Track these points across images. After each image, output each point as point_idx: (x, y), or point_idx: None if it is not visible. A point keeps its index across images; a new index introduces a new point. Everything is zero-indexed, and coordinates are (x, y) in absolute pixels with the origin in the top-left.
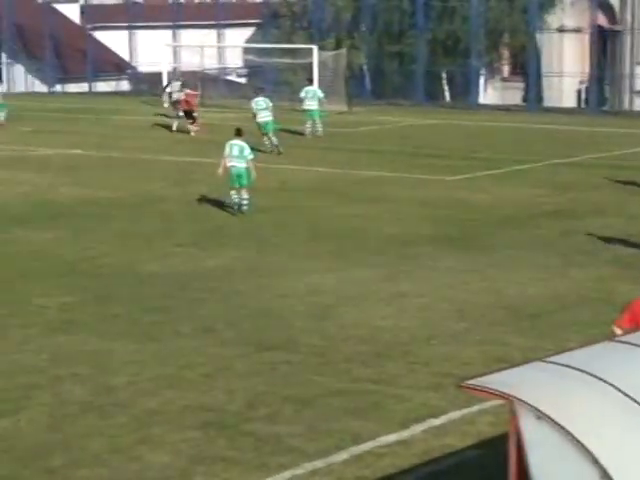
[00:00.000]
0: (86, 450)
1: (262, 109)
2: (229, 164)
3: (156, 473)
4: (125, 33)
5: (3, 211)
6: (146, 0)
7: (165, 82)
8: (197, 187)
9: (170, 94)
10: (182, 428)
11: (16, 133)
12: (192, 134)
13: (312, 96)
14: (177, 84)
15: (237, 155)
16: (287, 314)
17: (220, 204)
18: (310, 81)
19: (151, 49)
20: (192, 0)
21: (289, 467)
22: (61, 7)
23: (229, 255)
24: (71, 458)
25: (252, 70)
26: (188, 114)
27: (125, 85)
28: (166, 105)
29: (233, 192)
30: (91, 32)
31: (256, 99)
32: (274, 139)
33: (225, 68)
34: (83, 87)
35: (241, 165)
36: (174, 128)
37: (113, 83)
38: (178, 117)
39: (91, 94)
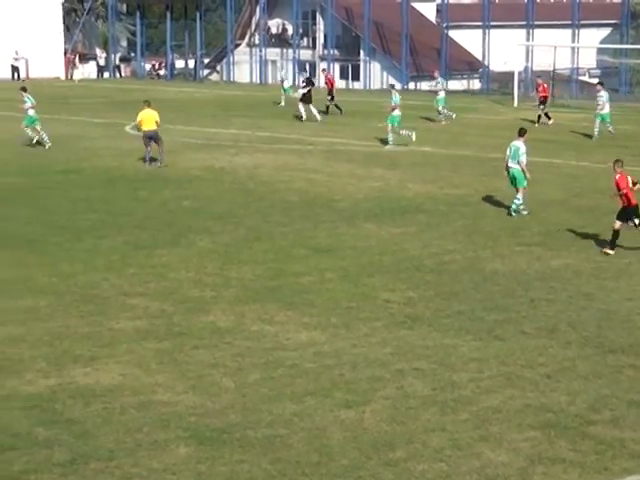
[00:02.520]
0: (427, 445)
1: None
2: (508, 165)
3: (495, 471)
4: (479, 32)
5: (356, 206)
6: None
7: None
8: (543, 187)
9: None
10: (522, 427)
11: (369, 129)
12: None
13: None
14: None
15: (512, 156)
16: (634, 317)
17: (564, 205)
18: None
19: (504, 48)
20: None
21: (633, 472)
22: (418, 5)
23: (575, 256)
24: (412, 452)
25: (605, 71)
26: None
27: (476, 84)
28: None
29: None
30: (446, 31)
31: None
32: None
33: (578, 68)
34: None
35: (515, 166)
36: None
37: (465, 81)
38: None
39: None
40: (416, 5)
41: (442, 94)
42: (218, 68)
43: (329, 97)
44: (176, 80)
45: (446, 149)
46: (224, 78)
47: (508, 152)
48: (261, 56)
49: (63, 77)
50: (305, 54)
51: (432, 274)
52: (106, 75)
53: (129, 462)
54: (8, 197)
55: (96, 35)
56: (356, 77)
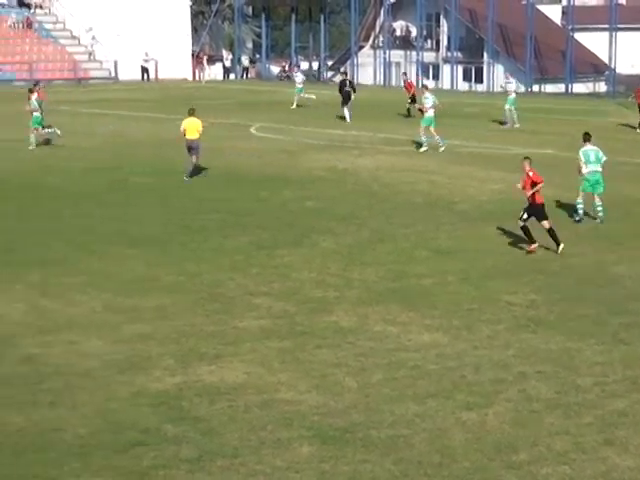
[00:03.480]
0: (551, 448)
1: None
2: (586, 170)
3: (621, 475)
4: (605, 34)
5: (477, 208)
6: (628, 1)
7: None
8: None
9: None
10: None
11: (489, 131)
12: None
13: None
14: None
15: (594, 161)
16: None
17: None
18: None
19: (631, 51)
20: None
21: None
22: (543, 8)
23: None
24: (535, 455)
25: None
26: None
27: (602, 87)
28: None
29: (580, 199)
30: (571, 33)
31: None
32: None
33: None
34: (559, 88)
35: (599, 170)
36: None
37: (590, 84)
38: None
39: (567, 95)
40: (541, 7)
41: (513, 95)
42: (342, 70)
43: (409, 100)
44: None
45: (569, 152)
46: None
47: (584, 158)
48: (385, 58)
49: (190, 78)
50: (429, 56)
51: (556, 277)
52: (232, 77)
53: (253, 460)
54: (138, 197)
55: (222, 37)
56: (479, 79)
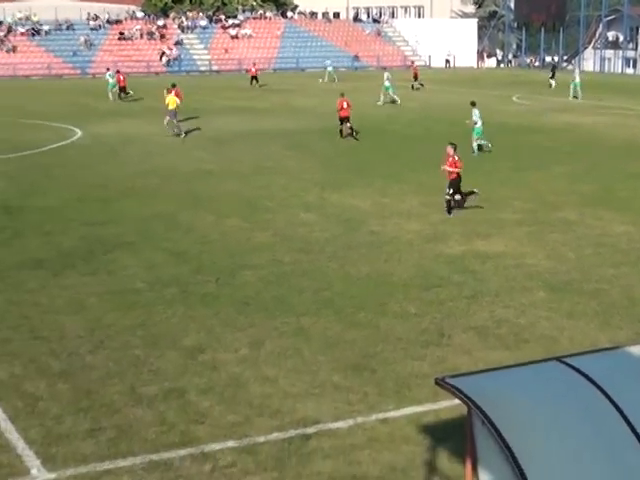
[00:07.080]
0: None
1: None
2: None
3: None
4: None
5: None
6: None
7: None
8: None
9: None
10: None
11: None
12: None
13: None
14: None
15: None
16: None
17: None
18: None
19: None
20: None
21: None
22: None
23: None
24: None
25: None
26: None
27: None
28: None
29: None
30: None
31: None
32: None
33: None
34: None
35: None
36: None
37: None
38: None
39: None
40: None
41: (577, 79)
42: (572, 62)
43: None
44: (544, 69)
45: None
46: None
47: None
48: (601, 55)
49: (475, 66)
50: (630, 54)
51: None
52: (502, 66)
53: (508, 298)
54: (436, 139)
55: (497, 41)
56: None
